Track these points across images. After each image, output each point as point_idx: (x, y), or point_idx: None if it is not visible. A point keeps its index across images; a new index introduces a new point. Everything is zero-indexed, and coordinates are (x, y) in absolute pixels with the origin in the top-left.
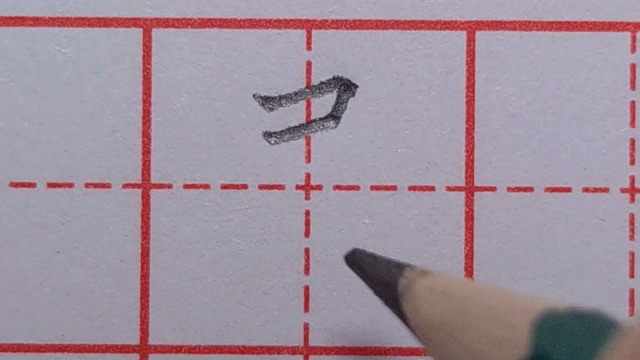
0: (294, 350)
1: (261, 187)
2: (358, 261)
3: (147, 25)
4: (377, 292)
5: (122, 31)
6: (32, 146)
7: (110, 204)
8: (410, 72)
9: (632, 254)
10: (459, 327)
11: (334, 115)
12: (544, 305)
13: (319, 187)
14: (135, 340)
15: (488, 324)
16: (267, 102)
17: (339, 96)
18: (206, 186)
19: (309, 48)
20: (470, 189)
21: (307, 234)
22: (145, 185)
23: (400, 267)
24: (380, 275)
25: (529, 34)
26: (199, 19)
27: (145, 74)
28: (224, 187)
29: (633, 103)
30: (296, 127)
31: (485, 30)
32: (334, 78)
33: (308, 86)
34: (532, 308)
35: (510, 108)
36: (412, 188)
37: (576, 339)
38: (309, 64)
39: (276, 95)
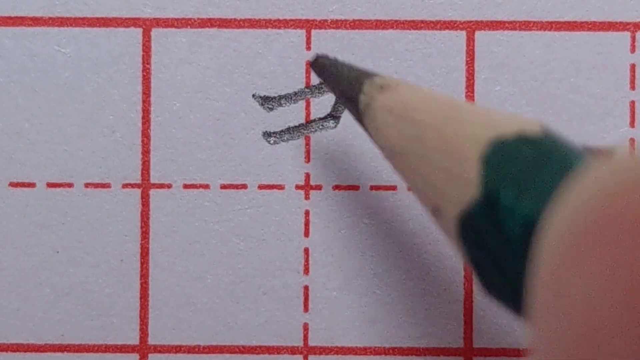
0: (293, 350)
1: (261, 187)
2: (322, 69)
3: (146, 25)
4: (344, 105)
5: (122, 31)
6: (31, 146)
7: (110, 204)
8: (410, 72)
9: None
10: (416, 156)
11: (334, 115)
12: (493, 132)
13: (318, 187)
14: (134, 340)
15: (441, 156)
16: (267, 102)
17: None
18: (206, 186)
19: (308, 48)
20: None
21: (306, 234)
22: (145, 185)
23: (360, 79)
24: (342, 89)
25: (529, 34)
26: (198, 19)
27: (145, 74)
28: (224, 187)
29: (633, 103)
30: (296, 127)
31: (485, 30)
32: None
33: (307, 86)
34: (482, 136)
35: (510, 108)
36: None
37: (526, 175)
38: (308, 64)
39: (276, 95)
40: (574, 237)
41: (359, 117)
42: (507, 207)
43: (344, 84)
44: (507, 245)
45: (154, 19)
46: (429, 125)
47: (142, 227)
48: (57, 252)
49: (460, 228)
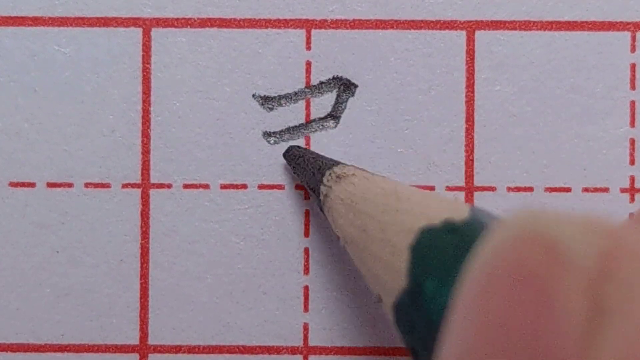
0: (293, 350)
1: (261, 187)
2: (292, 159)
3: (146, 25)
4: (311, 195)
5: (122, 31)
6: (31, 146)
7: (110, 204)
8: (410, 72)
9: None
10: (361, 247)
11: (334, 115)
12: (424, 221)
13: None
14: (134, 340)
15: (379, 246)
16: (267, 101)
17: (338, 96)
18: (206, 186)
19: (308, 48)
20: (470, 188)
21: (306, 234)
22: (145, 185)
23: (322, 170)
24: (307, 179)
25: (528, 33)
26: (198, 18)
27: (145, 73)
28: (224, 187)
29: (633, 103)
30: (296, 127)
31: (485, 30)
32: (333, 78)
33: (307, 86)
34: (413, 225)
35: (510, 108)
36: None
37: (447, 262)
38: (308, 63)
39: (276, 95)
40: (464, 296)
41: (320, 207)
42: (430, 296)
43: (309, 174)
44: (433, 330)
45: (154, 18)
46: (370, 215)
47: (142, 227)
48: (57, 252)
49: (395, 315)
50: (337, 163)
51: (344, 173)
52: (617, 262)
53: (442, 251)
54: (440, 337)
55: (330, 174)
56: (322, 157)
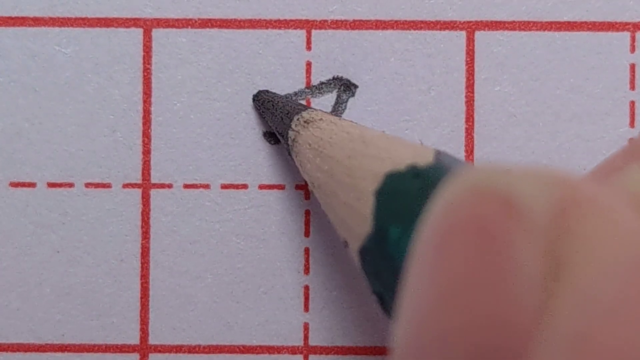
0: (293, 350)
1: (261, 187)
2: (261, 104)
3: (147, 26)
4: (279, 139)
5: (123, 31)
6: (32, 146)
7: (110, 204)
8: (410, 72)
9: None
10: (328, 192)
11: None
12: (389, 166)
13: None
14: (135, 340)
15: (345, 191)
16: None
17: (338, 96)
18: (206, 186)
19: (308, 48)
20: None
21: (307, 233)
22: (146, 185)
23: (290, 115)
24: (276, 124)
25: (528, 34)
26: (199, 19)
27: (146, 74)
28: (224, 187)
29: (632, 103)
30: None
31: (484, 31)
32: (333, 78)
33: (308, 86)
34: (379, 170)
35: (510, 108)
36: None
37: (412, 207)
38: (308, 64)
39: None
40: (420, 250)
41: (289, 151)
42: (394, 241)
43: (277, 119)
44: (398, 275)
45: (155, 19)
46: (337, 160)
47: (142, 227)
48: (58, 252)
49: (361, 260)
50: (305, 108)
51: (312, 117)
52: (573, 216)
53: (407, 196)
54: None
55: (298, 119)
56: (291, 101)
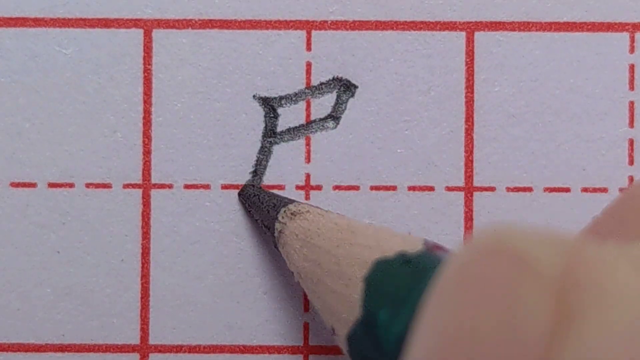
0: (294, 350)
1: (261, 187)
2: (247, 198)
3: (147, 26)
4: (265, 232)
5: (123, 32)
6: (32, 146)
7: (111, 204)
8: (410, 72)
9: None
10: (315, 281)
11: (334, 116)
12: (378, 253)
13: (318, 187)
14: (135, 340)
15: (334, 280)
16: (267, 102)
17: (338, 97)
18: (206, 186)
19: (308, 49)
20: (469, 189)
21: None
22: (146, 185)
23: (277, 207)
24: (262, 217)
25: (528, 34)
26: (199, 20)
27: (146, 74)
28: (224, 187)
29: (632, 103)
30: (296, 127)
31: (484, 31)
32: (333, 79)
33: (308, 87)
34: (368, 258)
35: (510, 108)
36: (412, 188)
37: (401, 292)
38: (308, 64)
39: (276, 95)
40: (433, 302)
41: (275, 243)
42: (384, 324)
43: (264, 212)
44: (387, 358)
45: (155, 20)
46: (325, 249)
47: (142, 227)
48: (58, 252)
49: (349, 346)
50: (291, 201)
51: (299, 210)
52: (582, 271)
53: (396, 282)
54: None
55: (285, 211)
56: (277, 195)
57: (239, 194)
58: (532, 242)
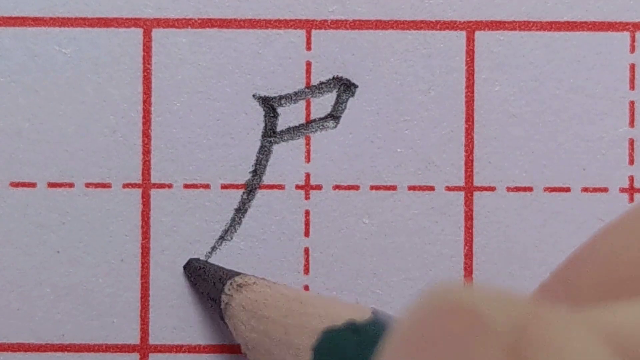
0: None
1: (261, 187)
2: (193, 272)
3: (147, 26)
4: (211, 306)
5: (123, 31)
6: (32, 146)
7: (111, 204)
8: (410, 72)
9: None
10: (263, 352)
11: (334, 115)
12: (327, 323)
13: (318, 187)
14: (135, 340)
15: (282, 350)
16: (267, 102)
17: (338, 96)
18: (206, 186)
19: (308, 48)
20: (469, 188)
21: (306, 233)
22: (146, 185)
23: (223, 280)
24: (208, 290)
25: (528, 34)
26: (199, 19)
27: (146, 74)
28: (224, 186)
29: (632, 103)
30: (296, 127)
31: (484, 31)
32: (333, 78)
33: (308, 86)
34: (316, 327)
35: (510, 108)
36: (412, 188)
37: (351, 359)
38: (308, 64)
39: (276, 95)
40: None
41: (221, 316)
42: None
43: (210, 285)
44: None
45: (155, 19)
46: (273, 320)
47: (142, 227)
48: (58, 252)
49: None
50: (237, 273)
51: (245, 282)
52: (536, 331)
53: (345, 350)
54: None
55: (231, 283)
56: (222, 268)
57: (184, 268)
58: (484, 300)
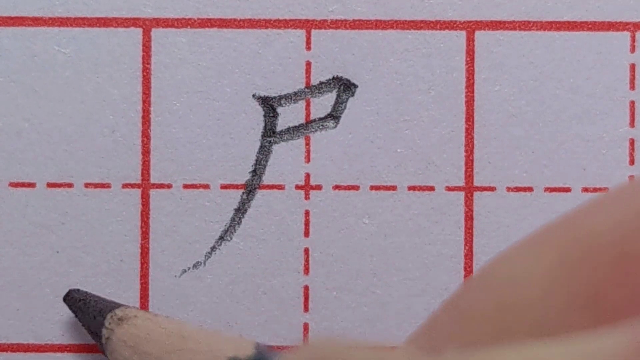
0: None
1: (261, 187)
2: (73, 303)
3: (146, 25)
4: (93, 339)
5: (122, 31)
6: (31, 146)
7: (110, 204)
8: (410, 72)
9: None
10: None
11: (334, 115)
12: (210, 358)
13: (318, 187)
14: None
15: None
16: (267, 102)
17: (338, 96)
18: (205, 186)
19: (308, 48)
20: (469, 189)
21: (306, 234)
22: (145, 185)
23: (104, 313)
24: (89, 323)
25: (528, 34)
26: (198, 18)
27: (145, 73)
28: (224, 187)
29: (632, 103)
30: (296, 127)
31: (484, 30)
32: (333, 78)
33: (307, 86)
34: None
35: (510, 108)
36: (412, 188)
37: None
38: (308, 64)
39: (276, 95)
40: None
41: (103, 350)
42: None
43: (90, 318)
44: None
45: (154, 19)
46: (156, 356)
47: (142, 227)
48: (57, 252)
49: None
50: (118, 305)
51: (126, 315)
52: None
53: None
54: None
55: (112, 317)
56: (104, 299)
57: (64, 299)
58: (356, 355)
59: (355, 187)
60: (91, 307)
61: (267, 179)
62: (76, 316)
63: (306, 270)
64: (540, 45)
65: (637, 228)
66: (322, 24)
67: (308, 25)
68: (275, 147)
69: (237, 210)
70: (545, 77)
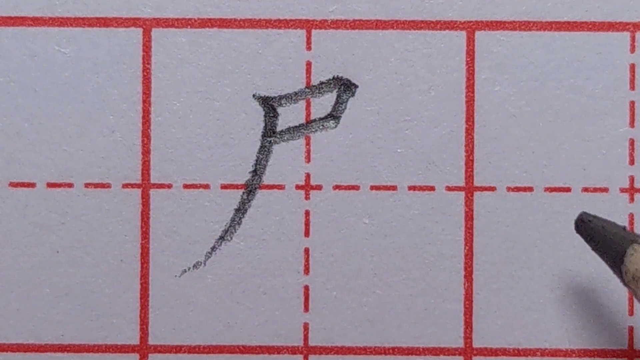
0: (293, 350)
1: (261, 187)
2: (586, 227)
3: (146, 25)
4: (604, 258)
5: (122, 31)
6: (31, 146)
7: (110, 204)
8: (410, 72)
9: None
10: None
11: (334, 115)
12: None
13: (318, 187)
14: (135, 340)
15: None
16: (267, 102)
17: (338, 96)
18: (205, 186)
19: (308, 48)
20: (470, 189)
21: (306, 233)
22: (145, 185)
23: (625, 243)
24: (605, 252)
25: (528, 34)
26: (198, 19)
27: (145, 74)
28: (224, 187)
29: (632, 103)
30: (296, 127)
31: (485, 31)
32: (333, 78)
33: (308, 86)
34: None
35: (510, 108)
36: (412, 188)
37: None
38: (308, 64)
39: (276, 95)
40: None
41: (619, 270)
42: None
43: (607, 247)
44: None
45: (154, 19)
46: None
47: (142, 227)
48: (57, 252)
49: None
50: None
51: None
52: None
53: None
54: None
55: (634, 249)
56: (621, 227)
57: (575, 224)
58: None
59: (356, 187)
60: (608, 234)
61: (267, 179)
62: (590, 242)
63: (306, 270)
64: (540, 46)
65: None
66: (322, 24)
67: (308, 25)
68: (275, 147)
69: (237, 210)
70: (545, 77)
